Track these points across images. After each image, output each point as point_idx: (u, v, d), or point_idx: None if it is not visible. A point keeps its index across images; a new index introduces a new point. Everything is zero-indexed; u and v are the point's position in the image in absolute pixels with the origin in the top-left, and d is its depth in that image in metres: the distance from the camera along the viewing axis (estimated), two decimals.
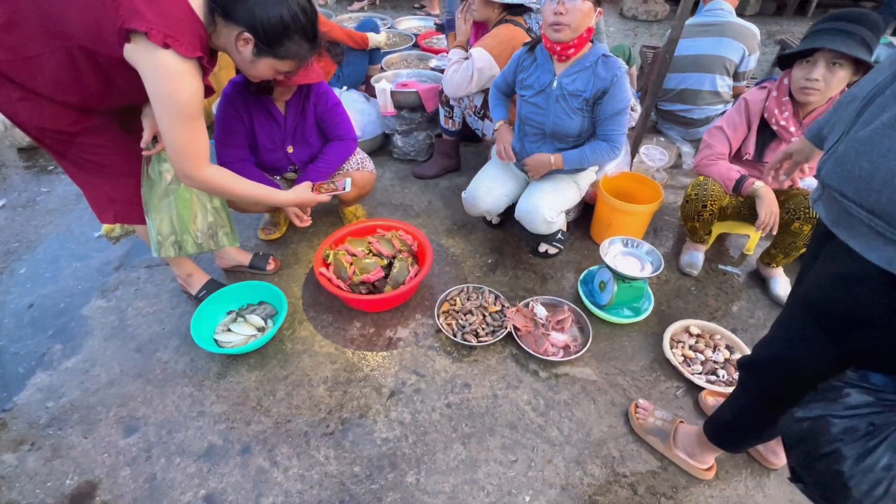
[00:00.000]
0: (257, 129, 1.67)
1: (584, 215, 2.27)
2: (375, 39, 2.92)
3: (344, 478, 1.30)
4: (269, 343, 1.66)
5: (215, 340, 1.64)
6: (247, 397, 1.50)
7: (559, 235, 2.02)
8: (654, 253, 1.70)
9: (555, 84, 1.64)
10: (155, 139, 1.38)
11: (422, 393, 1.51)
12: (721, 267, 2.04)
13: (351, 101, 2.67)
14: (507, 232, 2.21)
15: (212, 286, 1.79)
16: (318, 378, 1.56)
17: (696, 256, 1.99)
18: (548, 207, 1.77)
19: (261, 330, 1.69)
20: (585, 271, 1.91)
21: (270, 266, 1.94)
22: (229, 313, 1.74)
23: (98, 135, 1.28)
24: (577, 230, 2.22)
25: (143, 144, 1.36)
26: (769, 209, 1.58)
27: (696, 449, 1.27)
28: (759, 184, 1.63)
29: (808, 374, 0.86)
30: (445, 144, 2.57)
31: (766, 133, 1.68)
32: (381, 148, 2.87)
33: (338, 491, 1.27)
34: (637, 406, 1.44)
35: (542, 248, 2.05)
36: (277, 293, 1.72)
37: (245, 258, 1.93)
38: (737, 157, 1.77)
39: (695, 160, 1.82)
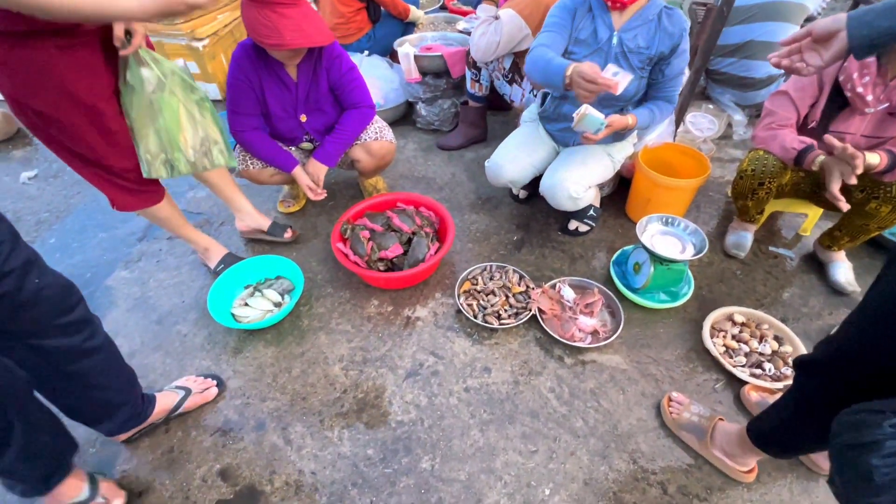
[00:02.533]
0: (268, 96, 1.58)
1: (619, 190, 2.11)
2: (416, 13, 2.76)
3: (357, 460, 1.27)
4: (285, 319, 1.63)
5: (233, 315, 1.62)
6: (262, 373, 1.48)
7: (591, 212, 1.88)
8: (697, 233, 1.54)
9: (614, 40, 1.46)
10: (129, 34, 1.17)
11: (439, 375, 1.45)
12: (772, 249, 1.85)
13: (373, 68, 2.54)
14: (534, 207, 2.08)
15: (230, 260, 1.77)
16: (333, 356, 1.52)
17: (744, 237, 1.81)
18: (573, 182, 1.63)
19: (277, 305, 1.65)
20: (619, 251, 1.77)
21: (287, 235, 1.89)
22: (247, 287, 1.72)
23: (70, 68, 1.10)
24: (611, 206, 2.06)
25: (116, 42, 1.16)
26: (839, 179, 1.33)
27: (737, 450, 1.16)
28: (823, 157, 1.42)
29: (882, 382, 0.73)
30: (471, 112, 2.42)
31: (836, 101, 1.46)
32: (404, 117, 2.75)
33: (350, 473, 1.24)
34: (671, 399, 1.33)
35: (573, 225, 1.91)
36: (294, 268, 1.68)
37: (264, 222, 1.88)
38: (802, 127, 1.56)
39: (754, 130, 1.62)
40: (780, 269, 1.78)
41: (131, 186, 1.39)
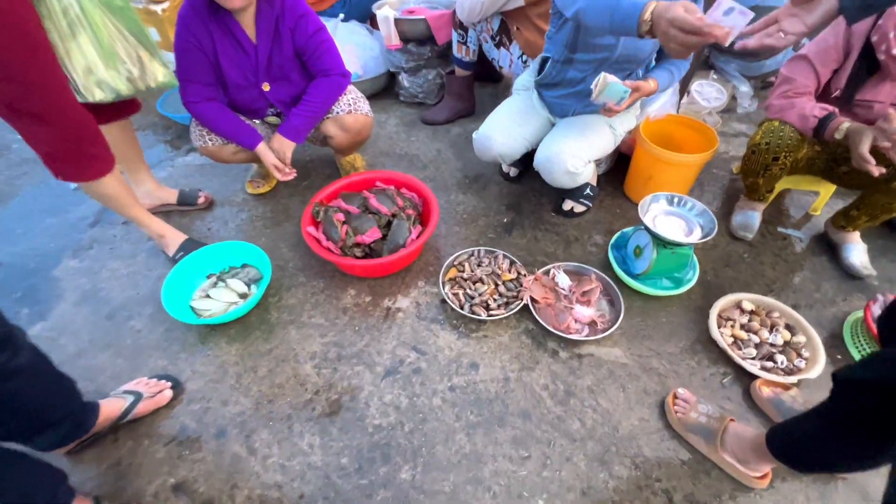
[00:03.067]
0: (223, 60, 1.38)
1: (616, 167, 1.95)
2: None
3: (329, 470, 1.13)
4: (251, 312, 1.47)
5: (192, 309, 1.46)
6: (225, 373, 1.33)
7: (587, 191, 1.72)
8: (705, 214, 1.40)
9: None
10: None
11: (422, 373, 1.31)
12: (781, 230, 1.73)
13: (350, 34, 2.33)
14: (526, 186, 1.92)
15: (190, 246, 1.60)
16: (305, 353, 1.37)
17: (752, 217, 1.67)
18: (572, 155, 1.47)
19: (243, 297, 1.49)
20: (617, 234, 1.63)
21: (201, 200, 1.80)
22: (209, 277, 1.55)
23: None
24: (607, 185, 1.91)
25: None
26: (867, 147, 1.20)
27: (750, 455, 1.04)
28: (849, 124, 1.27)
29: None
30: (458, 83, 2.23)
31: (864, 65, 1.30)
32: (385, 89, 2.54)
33: (322, 486, 1.11)
34: (676, 397, 1.21)
35: (567, 205, 1.76)
36: (262, 255, 1.51)
37: (170, 195, 1.77)
38: (823, 96, 1.41)
39: (769, 98, 1.46)
40: (790, 251, 1.66)
41: (70, 147, 1.22)
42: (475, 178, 1.98)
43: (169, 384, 1.23)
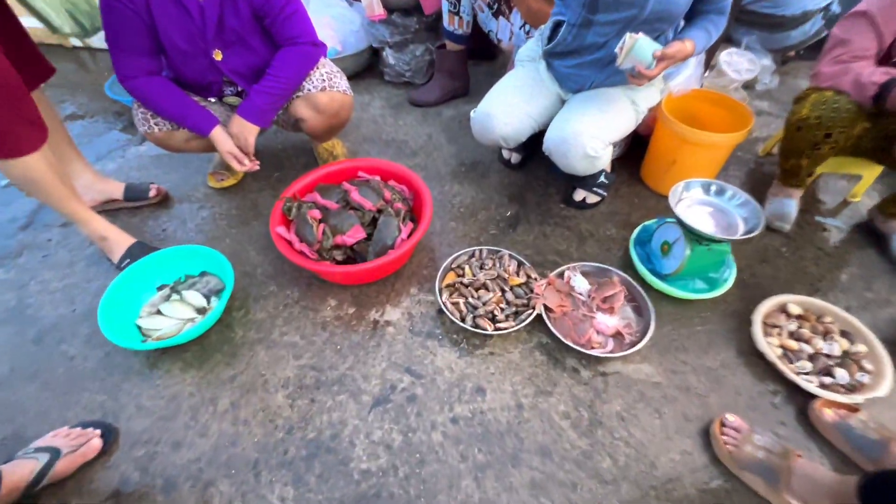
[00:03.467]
0: (160, 20, 1.11)
1: (631, 151, 1.73)
2: None
3: None
4: (211, 330, 1.23)
5: (139, 328, 1.21)
6: (178, 408, 1.09)
7: (602, 178, 1.50)
8: (748, 204, 1.19)
9: None
10: None
11: (417, 402, 1.09)
12: (820, 220, 1.53)
13: (325, 5, 2.06)
14: (530, 175, 1.70)
15: (138, 251, 1.34)
16: (276, 380, 1.14)
17: (788, 205, 1.47)
18: (592, 136, 1.25)
19: (201, 311, 1.25)
20: (639, 227, 1.42)
21: (153, 193, 1.55)
22: (160, 289, 1.30)
23: None
24: (622, 171, 1.69)
25: None
26: None
27: (825, 502, 0.84)
28: None
29: None
30: (450, 59, 1.98)
31: None
32: (368, 68, 2.28)
33: None
34: (724, 424, 1.01)
35: (579, 195, 1.54)
36: (223, 261, 1.27)
37: (115, 189, 1.52)
38: (884, 62, 1.20)
39: (817, 65, 1.25)
40: (832, 244, 1.46)
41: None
42: (472, 165, 1.75)
43: (97, 432, 0.99)
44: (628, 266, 1.36)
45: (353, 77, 2.19)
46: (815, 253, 1.43)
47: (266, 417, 1.07)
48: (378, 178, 1.44)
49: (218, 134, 1.26)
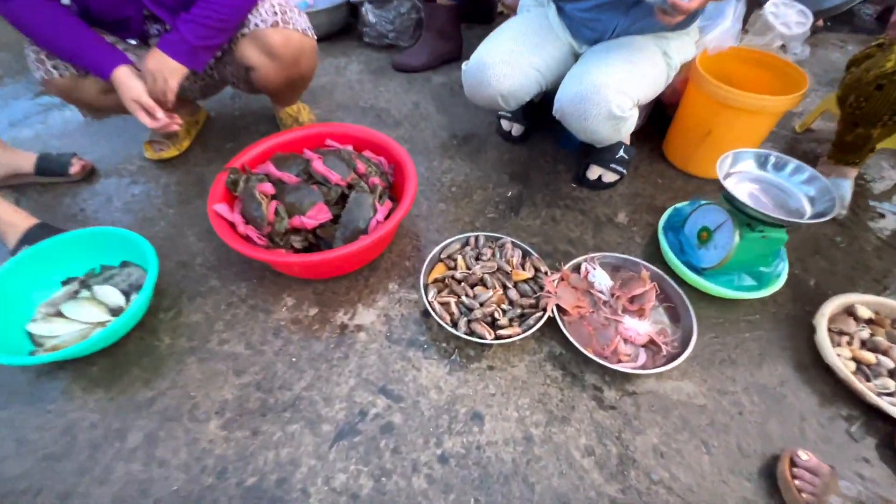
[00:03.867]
0: None
1: (650, 122, 1.48)
2: None
3: None
4: (129, 336, 0.95)
5: (29, 335, 0.93)
6: (72, 444, 0.82)
7: (621, 152, 1.25)
8: (816, 181, 0.94)
9: None
10: None
11: (395, 433, 0.83)
12: (874, 204, 1.30)
13: None
14: (535, 149, 1.44)
15: (40, 234, 1.05)
16: (208, 403, 0.87)
17: (843, 186, 1.24)
18: (618, 90, 0.99)
19: (118, 313, 0.97)
20: (669, 210, 1.17)
21: (75, 168, 1.26)
22: (66, 283, 1.01)
23: None
24: (640, 145, 1.44)
25: None
26: None
27: None
28: None
29: None
30: (440, 16, 1.70)
31: None
32: (345, 28, 1.98)
33: None
34: (794, 464, 0.77)
35: (594, 172, 1.28)
36: (147, 247, 0.98)
37: (24, 160, 1.23)
38: None
39: None
40: (893, 232, 1.23)
41: None
42: (465, 138, 1.48)
43: None
44: (655, 258, 1.11)
45: (326, 38, 1.89)
46: (876, 243, 1.20)
47: (191, 456, 0.80)
48: (351, 147, 1.17)
49: (122, 74, 0.95)
